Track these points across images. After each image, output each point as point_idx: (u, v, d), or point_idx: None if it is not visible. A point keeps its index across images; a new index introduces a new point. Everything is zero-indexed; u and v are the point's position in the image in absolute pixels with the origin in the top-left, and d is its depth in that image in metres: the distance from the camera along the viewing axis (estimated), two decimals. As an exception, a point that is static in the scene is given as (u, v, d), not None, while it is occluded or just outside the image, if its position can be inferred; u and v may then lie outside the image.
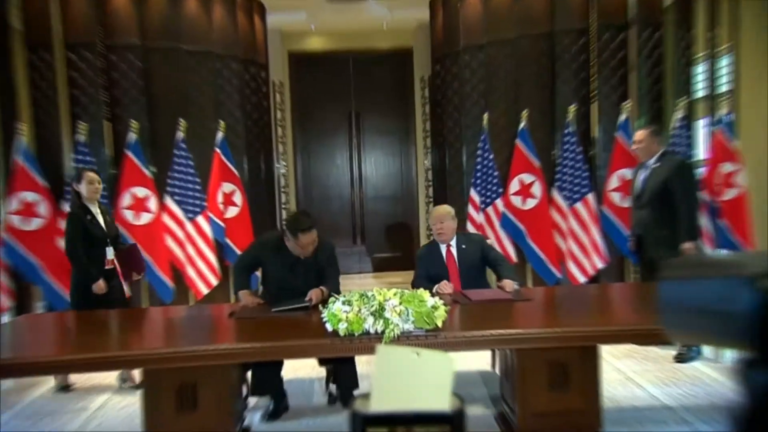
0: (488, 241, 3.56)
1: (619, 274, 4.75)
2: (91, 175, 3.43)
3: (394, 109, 6.98)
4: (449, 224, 3.29)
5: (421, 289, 2.29)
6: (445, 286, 3.08)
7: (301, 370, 3.59)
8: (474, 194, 4.84)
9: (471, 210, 4.83)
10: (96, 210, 3.46)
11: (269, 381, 2.96)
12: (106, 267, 3.42)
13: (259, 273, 3.31)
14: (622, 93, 4.68)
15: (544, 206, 4.67)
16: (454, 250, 3.30)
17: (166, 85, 4.82)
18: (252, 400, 3.10)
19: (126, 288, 3.60)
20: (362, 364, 2.97)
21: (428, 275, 3.23)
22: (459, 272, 3.25)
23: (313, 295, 2.83)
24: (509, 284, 3.03)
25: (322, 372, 3.31)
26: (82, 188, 3.41)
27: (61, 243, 3.60)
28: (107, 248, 3.44)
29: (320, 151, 6.96)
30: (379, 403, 1.52)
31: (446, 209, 3.35)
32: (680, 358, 3.65)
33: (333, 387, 3.13)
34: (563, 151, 4.63)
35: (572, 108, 4.59)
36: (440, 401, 1.51)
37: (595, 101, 4.79)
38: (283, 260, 3.00)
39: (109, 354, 2.18)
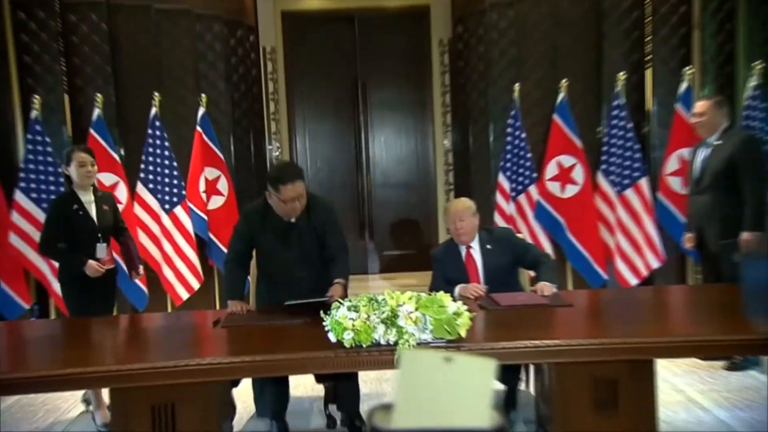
0: (519, 236, 3.52)
1: (678, 275, 4.74)
2: (82, 155, 3.39)
3: (408, 79, 6.95)
4: (470, 222, 3.23)
5: (441, 293, 2.30)
6: (475, 289, 3.06)
7: (297, 389, 3.62)
8: (503, 180, 4.84)
9: (499, 199, 4.84)
10: (89, 198, 3.44)
11: (276, 401, 3.01)
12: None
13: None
14: (683, 57, 4.66)
15: (588, 194, 4.66)
16: (476, 253, 3.25)
17: (137, 51, 4.85)
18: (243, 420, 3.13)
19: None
20: (370, 382, 2.99)
21: (446, 280, 3.22)
22: (483, 278, 3.22)
23: (334, 291, 2.84)
24: (546, 288, 3.01)
25: (320, 390, 3.34)
26: (72, 172, 3.39)
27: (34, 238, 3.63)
28: (98, 245, 3.40)
29: (320, 130, 6.97)
30: (404, 420, 1.50)
31: (465, 204, 3.29)
32: (732, 367, 3.66)
33: (333, 408, 3.16)
34: (611, 127, 4.61)
35: (622, 76, 4.57)
36: (478, 417, 1.47)
37: (650, 67, 4.77)
38: (274, 228, 2.98)
39: (64, 371, 2.19)
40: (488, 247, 3.25)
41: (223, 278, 3.19)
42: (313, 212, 3.00)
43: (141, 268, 3.66)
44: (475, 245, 3.27)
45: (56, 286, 3.80)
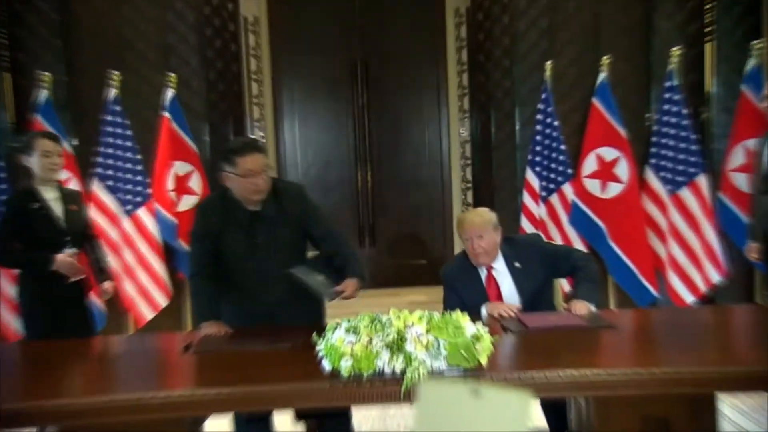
0: (548, 244, 3.44)
1: (744, 291, 4.72)
2: (48, 143, 3.35)
3: (417, 56, 6.96)
4: (491, 239, 3.13)
5: (458, 311, 2.29)
6: (507, 308, 2.99)
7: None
8: (531, 177, 4.85)
9: (527, 199, 4.85)
10: (53, 195, 3.41)
11: None
12: (65, 281, 3.36)
13: None
14: (751, 27, 4.65)
15: (634, 194, 4.66)
16: (501, 275, 3.17)
17: (92, 20, 4.86)
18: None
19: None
20: (373, 419, 2.98)
21: (463, 305, 3.13)
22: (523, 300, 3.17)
23: (347, 286, 2.87)
24: (581, 306, 2.99)
25: (300, 429, 3.32)
26: (33, 163, 3.34)
27: None
28: (66, 250, 3.37)
29: (312, 117, 6.97)
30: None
31: (484, 217, 3.17)
32: None
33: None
34: (662, 113, 4.61)
35: (676, 51, 4.57)
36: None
37: (711, 41, 4.77)
38: (237, 221, 2.97)
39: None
40: (516, 265, 3.17)
41: (191, 298, 3.16)
42: (285, 199, 3.00)
43: (111, 284, 3.65)
44: (500, 266, 3.19)
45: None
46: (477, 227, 3.13)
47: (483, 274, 3.20)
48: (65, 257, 3.32)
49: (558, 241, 4.71)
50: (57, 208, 3.40)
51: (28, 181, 3.41)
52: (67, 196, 3.48)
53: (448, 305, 3.18)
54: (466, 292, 3.17)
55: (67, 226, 3.40)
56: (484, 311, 3.06)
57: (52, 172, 3.37)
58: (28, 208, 3.32)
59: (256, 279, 2.96)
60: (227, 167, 2.89)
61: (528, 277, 3.16)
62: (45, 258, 3.30)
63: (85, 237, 3.57)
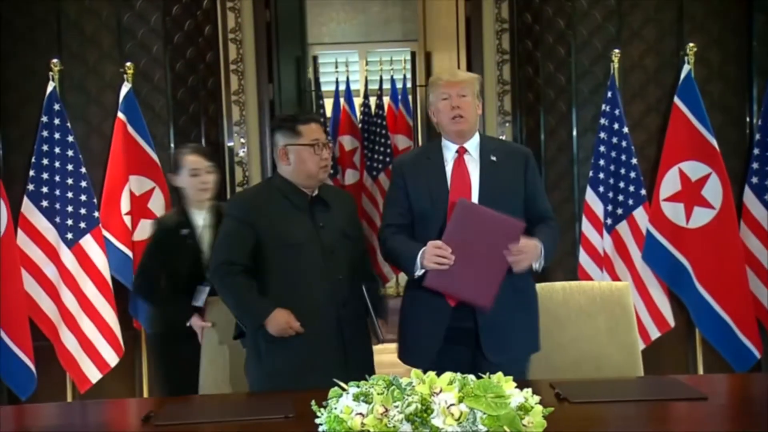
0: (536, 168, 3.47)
1: None
2: (193, 159, 3.84)
3: (444, 43, 7.00)
4: (474, 104, 3.25)
5: (500, 375, 2.30)
6: (436, 256, 3.03)
7: None
8: (594, 200, 4.85)
9: (587, 228, 4.85)
10: (203, 221, 3.81)
11: None
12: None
13: None
14: None
15: (729, 222, 4.66)
16: (472, 162, 3.25)
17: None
18: None
19: None
20: None
21: (414, 201, 3.24)
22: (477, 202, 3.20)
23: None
24: (531, 246, 3.05)
25: None
26: (183, 182, 3.82)
27: None
28: (199, 287, 3.74)
29: (306, 119, 7.01)
30: None
31: (468, 73, 3.35)
32: None
33: None
34: (767, 118, 4.62)
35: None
36: None
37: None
38: (296, 206, 3.27)
39: None
40: (493, 159, 3.24)
41: (229, 298, 3.29)
42: (331, 194, 3.46)
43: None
44: (473, 148, 3.27)
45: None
46: (460, 81, 3.23)
47: (450, 156, 3.26)
48: (197, 321, 3.60)
49: (628, 280, 4.64)
50: (204, 237, 3.77)
51: (180, 203, 3.94)
52: (218, 220, 3.79)
53: (388, 202, 3.37)
54: (420, 180, 3.25)
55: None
56: (418, 263, 3.10)
57: (201, 193, 3.78)
58: (177, 233, 3.81)
59: (320, 273, 3.20)
60: (288, 139, 3.24)
61: (500, 176, 3.21)
62: (182, 312, 3.72)
63: None
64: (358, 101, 8.58)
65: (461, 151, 3.26)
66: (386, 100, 8.54)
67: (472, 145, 3.28)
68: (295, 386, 2.96)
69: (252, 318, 3.20)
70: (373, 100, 8.51)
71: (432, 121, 3.43)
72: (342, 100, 8.42)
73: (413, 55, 8.94)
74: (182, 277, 3.87)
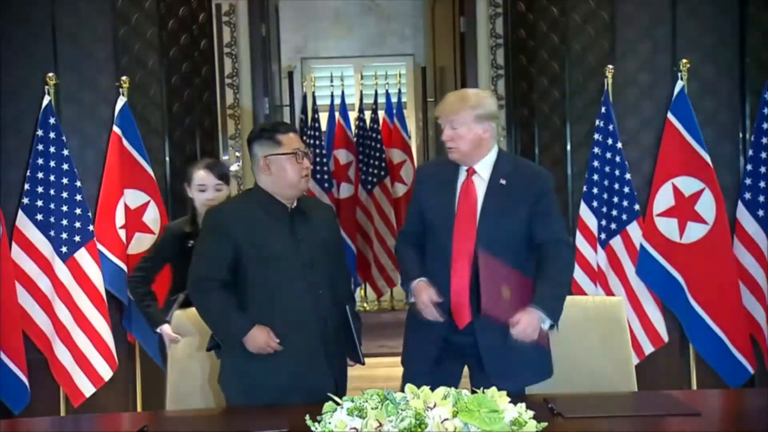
0: (551, 193, 3.43)
1: None
2: (201, 175, 4.02)
3: (437, 55, 7.02)
4: (469, 130, 3.20)
5: (493, 389, 2.30)
6: (425, 300, 3.13)
7: None
8: (587, 214, 4.87)
9: (581, 243, 4.86)
10: None
11: None
12: None
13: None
14: None
15: (722, 238, 4.67)
16: (480, 184, 3.25)
17: (19, 6, 4.86)
18: None
19: None
20: None
21: (425, 214, 3.30)
22: (483, 231, 3.21)
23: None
24: (531, 322, 3.05)
25: None
26: (192, 194, 4.09)
27: None
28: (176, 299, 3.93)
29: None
30: None
31: (466, 98, 3.26)
32: None
33: None
34: (761, 133, 4.64)
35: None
36: None
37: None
38: (274, 216, 3.25)
39: None
40: (502, 182, 3.23)
41: (205, 313, 3.25)
42: (312, 206, 3.48)
43: None
44: (484, 173, 3.26)
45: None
46: (448, 110, 3.23)
47: (461, 176, 3.28)
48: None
49: (622, 296, 4.64)
50: None
51: (192, 213, 4.10)
52: None
53: (408, 207, 3.48)
54: (434, 196, 3.30)
55: None
56: (412, 293, 3.19)
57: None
58: (182, 243, 3.95)
59: (300, 287, 3.18)
60: (269, 150, 3.22)
61: (505, 204, 3.21)
62: (158, 318, 3.91)
63: None
64: (353, 115, 8.56)
65: (470, 172, 3.28)
66: (381, 114, 8.55)
67: (483, 166, 3.28)
68: (279, 402, 2.98)
69: (229, 336, 3.18)
70: (368, 114, 8.52)
71: None
72: (337, 114, 8.42)
73: (423, 70, 8.95)
74: (175, 285, 3.97)
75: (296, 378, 3.12)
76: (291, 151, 3.20)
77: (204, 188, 3.99)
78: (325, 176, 7.92)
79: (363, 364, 3.36)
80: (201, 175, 4.02)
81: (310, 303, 3.19)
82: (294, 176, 3.21)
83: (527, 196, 3.24)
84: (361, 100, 8.78)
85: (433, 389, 2.20)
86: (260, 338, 3.09)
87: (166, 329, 3.78)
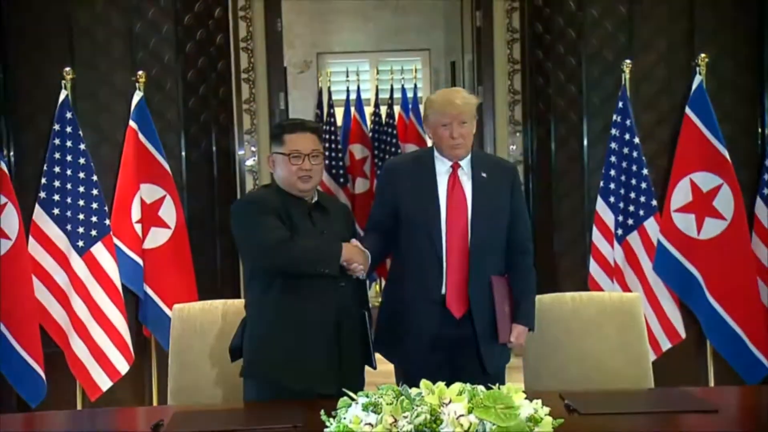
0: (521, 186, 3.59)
1: None
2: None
3: (452, 51, 7.00)
4: (472, 129, 3.27)
5: (509, 386, 2.29)
6: (356, 262, 3.17)
7: None
8: (604, 210, 4.84)
9: (598, 239, 4.84)
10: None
11: None
12: None
13: None
14: None
15: (740, 233, 4.65)
16: (465, 178, 3.29)
17: (34, 2, 4.91)
18: None
19: None
20: None
21: (391, 222, 3.36)
22: (476, 224, 3.25)
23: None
24: (522, 335, 3.27)
25: None
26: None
27: None
28: None
29: (317, 128, 7.01)
30: None
31: (470, 99, 3.30)
32: None
33: None
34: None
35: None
36: None
37: None
38: (294, 209, 3.25)
39: None
40: (483, 175, 3.27)
41: (298, 255, 3.20)
42: (331, 205, 3.50)
43: None
44: (465, 164, 3.30)
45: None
46: (462, 111, 3.23)
47: (443, 169, 3.29)
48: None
49: (640, 292, 4.59)
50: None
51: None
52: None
53: (374, 210, 3.50)
54: (413, 192, 3.30)
55: None
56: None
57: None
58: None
59: (322, 278, 3.17)
60: (274, 147, 3.31)
61: (492, 196, 3.26)
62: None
63: None
64: (368, 110, 8.58)
65: (455, 167, 3.30)
66: (397, 109, 8.55)
67: (465, 160, 3.32)
68: (280, 379, 3.07)
69: (332, 257, 3.18)
70: (383, 109, 8.53)
71: (426, 132, 3.53)
72: (353, 109, 8.44)
73: (452, 64, 8.93)
74: None
75: (303, 362, 3.13)
76: (287, 152, 3.22)
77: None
78: (341, 171, 7.94)
79: (374, 368, 3.36)
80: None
81: (331, 295, 3.19)
82: (288, 176, 3.24)
83: (506, 186, 3.33)
84: (376, 94, 8.77)
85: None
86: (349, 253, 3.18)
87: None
